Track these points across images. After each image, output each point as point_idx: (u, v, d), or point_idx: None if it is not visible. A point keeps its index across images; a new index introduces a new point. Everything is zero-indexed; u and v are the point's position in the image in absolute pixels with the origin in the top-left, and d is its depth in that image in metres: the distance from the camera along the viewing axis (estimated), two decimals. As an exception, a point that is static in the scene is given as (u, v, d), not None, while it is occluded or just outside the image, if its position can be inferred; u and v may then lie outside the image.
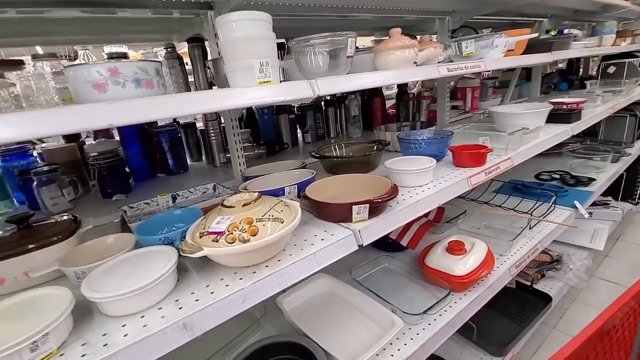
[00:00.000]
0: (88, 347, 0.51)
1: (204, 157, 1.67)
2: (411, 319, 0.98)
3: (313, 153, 1.20)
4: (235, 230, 0.61)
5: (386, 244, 1.35)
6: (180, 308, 0.56)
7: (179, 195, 1.07)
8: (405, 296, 1.11)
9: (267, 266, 0.65)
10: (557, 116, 1.55)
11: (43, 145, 1.38)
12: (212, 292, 0.59)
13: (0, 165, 1.23)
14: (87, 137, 1.59)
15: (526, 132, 1.23)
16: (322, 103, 1.90)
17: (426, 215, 1.55)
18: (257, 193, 0.70)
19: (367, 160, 1.17)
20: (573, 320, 1.70)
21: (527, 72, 2.69)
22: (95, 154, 1.29)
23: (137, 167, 1.44)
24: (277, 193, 0.92)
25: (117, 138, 1.49)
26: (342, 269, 1.18)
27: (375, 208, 0.79)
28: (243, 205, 0.65)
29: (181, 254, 0.59)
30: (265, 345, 0.89)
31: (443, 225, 1.50)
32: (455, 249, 1.16)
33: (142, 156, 1.44)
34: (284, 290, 1.06)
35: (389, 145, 1.22)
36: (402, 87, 1.89)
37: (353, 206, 0.76)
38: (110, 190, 1.25)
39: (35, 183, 1.11)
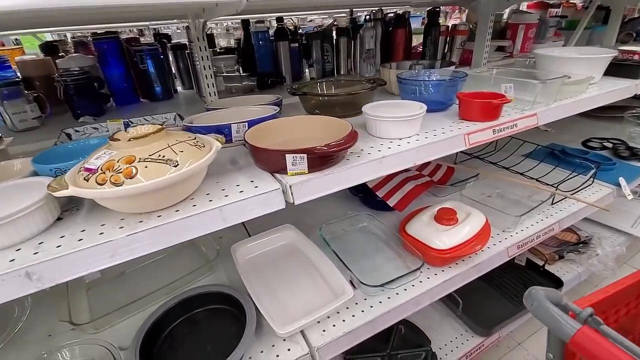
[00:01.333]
0: None
1: (194, 85, 1.53)
2: (369, 290, 0.86)
3: (291, 89, 1.01)
4: (109, 170, 0.49)
5: (375, 201, 1.20)
6: (36, 253, 0.47)
7: (132, 123, 0.96)
8: (374, 263, 0.98)
9: (159, 216, 0.54)
10: (621, 68, 1.19)
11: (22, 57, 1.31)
12: (80, 240, 0.49)
13: (-22, 75, 1.19)
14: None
15: (567, 82, 0.93)
16: (334, 31, 1.63)
17: (430, 174, 1.35)
18: (159, 126, 0.56)
19: (353, 102, 0.96)
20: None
21: (605, 13, 2.12)
22: (66, 70, 1.19)
23: (116, 89, 1.34)
24: (222, 130, 0.77)
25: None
26: (317, 221, 1.06)
27: (320, 159, 0.62)
28: (130, 140, 0.51)
29: (48, 191, 0.49)
30: (199, 294, 0.83)
31: (447, 187, 1.30)
32: (445, 218, 0.98)
33: (122, 77, 1.33)
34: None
35: (385, 84, 1.00)
36: (433, 17, 1.55)
37: (287, 154, 0.60)
38: (79, 111, 1.18)
39: (-2, 97, 1.06)
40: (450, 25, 1.64)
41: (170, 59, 1.52)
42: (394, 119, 0.74)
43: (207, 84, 1.06)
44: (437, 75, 1.03)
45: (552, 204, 1.20)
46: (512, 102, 0.87)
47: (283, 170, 0.62)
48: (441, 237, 0.93)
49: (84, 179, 0.49)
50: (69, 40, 2.02)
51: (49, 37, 2.39)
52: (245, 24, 1.51)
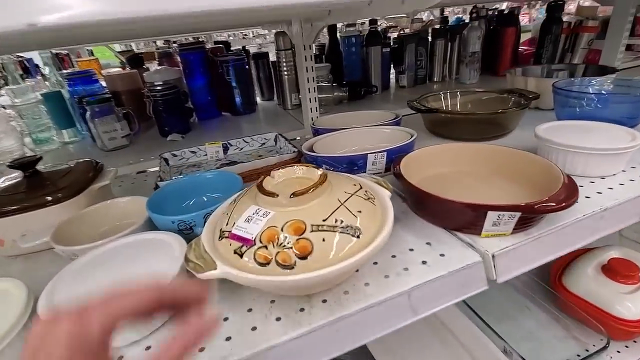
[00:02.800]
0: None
1: (275, 96, 1.41)
2: (535, 373, 0.65)
3: (412, 103, 0.83)
4: (272, 243, 0.34)
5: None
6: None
7: (231, 145, 0.84)
8: (524, 329, 0.76)
9: (324, 301, 0.38)
10: None
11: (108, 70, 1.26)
12: (228, 339, 0.35)
13: (68, 90, 1.14)
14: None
15: None
16: (429, 33, 1.43)
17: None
18: (321, 171, 0.40)
19: (497, 121, 0.76)
20: None
21: None
22: (152, 84, 1.12)
23: (200, 102, 1.25)
24: (356, 162, 0.61)
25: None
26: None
27: (529, 218, 0.43)
28: (292, 196, 0.36)
29: (189, 269, 0.35)
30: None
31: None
32: (621, 273, 0.74)
33: (206, 90, 1.24)
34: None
35: (538, 98, 0.78)
36: (554, 12, 1.29)
37: (490, 212, 0.41)
38: (167, 128, 1.09)
39: (88, 114, 0.99)
40: (574, 22, 1.37)
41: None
42: (609, 151, 0.53)
43: (310, 99, 0.91)
44: (610, 87, 0.80)
45: None
46: None
47: (472, 228, 0.44)
48: (624, 301, 0.70)
49: (236, 252, 0.35)
50: (137, 50, 2.02)
51: (117, 48, 2.45)
52: (331, 28, 1.36)
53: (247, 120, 1.24)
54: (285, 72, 1.21)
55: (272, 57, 1.35)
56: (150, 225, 0.49)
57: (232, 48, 1.54)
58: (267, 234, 0.34)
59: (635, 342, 0.72)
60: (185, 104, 1.20)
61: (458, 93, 0.91)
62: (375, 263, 0.43)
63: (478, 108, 0.88)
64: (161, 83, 1.12)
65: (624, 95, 0.71)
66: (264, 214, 0.36)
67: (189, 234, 0.46)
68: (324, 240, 0.34)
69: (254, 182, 0.41)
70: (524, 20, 3.10)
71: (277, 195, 0.37)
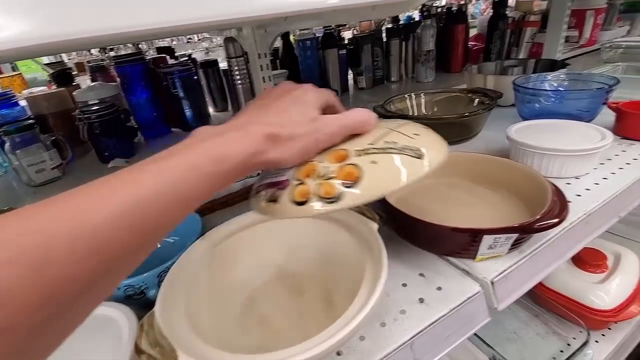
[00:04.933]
0: None
1: (229, 106, 1.32)
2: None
3: (379, 108, 0.79)
4: (310, 177, 0.28)
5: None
6: None
7: (185, 170, 0.74)
8: (506, 329, 0.76)
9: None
10: None
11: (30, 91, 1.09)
12: None
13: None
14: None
15: None
16: (384, 32, 1.41)
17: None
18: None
19: (468, 123, 0.75)
20: None
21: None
22: (85, 103, 0.98)
23: (145, 120, 1.12)
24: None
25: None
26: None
27: (524, 236, 0.40)
28: None
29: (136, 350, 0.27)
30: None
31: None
32: (590, 263, 0.77)
33: (150, 105, 1.11)
34: None
35: (501, 97, 0.78)
36: (499, 9, 1.33)
37: (485, 236, 0.38)
38: (107, 153, 0.96)
39: (7, 145, 0.84)
40: (517, 17, 1.42)
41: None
42: (581, 152, 0.52)
43: (269, 111, 0.84)
44: (564, 82, 0.82)
45: (690, 225, 0.98)
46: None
47: (466, 252, 0.41)
48: (596, 292, 0.72)
49: (271, 200, 0.29)
50: (72, 64, 1.81)
51: (45, 59, 2.18)
52: (283, 33, 1.29)
53: (201, 135, 1.13)
54: (239, 81, 1.11)
55: (222, 64, 1.25)
56: (91, 290, 0.40)
57: (176, 54, 1.42)
58: (304, 170, 0.28)
59: (609, 329, 0.74)
60: (127, 123, 1.07)
61: (422, 94, 0.89)
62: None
63: (444, 109, 0.86)
64: (96, 102, 0.99)
65: (582, 91, 0.72)
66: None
67: (139, 299, 0.38)
68: (374, 162, 0.27)
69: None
70: (465, 15, 3.23)
71: None
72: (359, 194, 0.26)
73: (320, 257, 0.43)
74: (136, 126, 1.12)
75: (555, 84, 0.83)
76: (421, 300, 0.37)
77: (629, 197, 0.52)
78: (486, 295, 0.38)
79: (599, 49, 1.46)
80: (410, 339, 0.33)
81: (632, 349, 0.74)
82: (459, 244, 0.40)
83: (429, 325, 0.34)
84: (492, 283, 0.38)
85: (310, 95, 0.29)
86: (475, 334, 0.69)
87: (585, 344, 0.66)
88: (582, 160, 0.53)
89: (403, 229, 0.46)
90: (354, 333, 0.27)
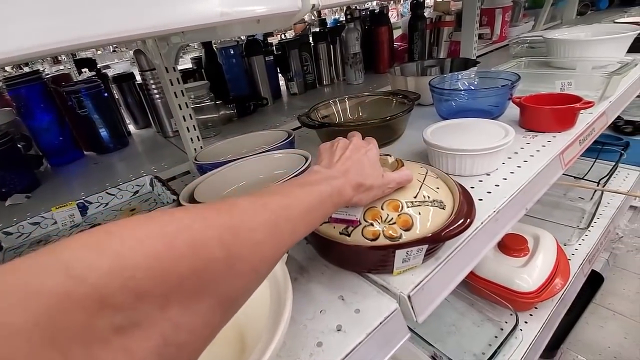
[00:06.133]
0: None
1: (152, 123, 1.22)
2: (465, 370, 0.66)
3: (303, 118, 0.77)
4: (377, 220, 0.38)
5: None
6: None
7: (90, 203, 0.66)
8: (445, 322, 0.78)
9: None
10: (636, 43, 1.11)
11: None
12: None
13: None
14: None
15: (626, 69, 0.81)
16: (310, 38, 1.40)
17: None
18: (394, 158, 0.44)
19: (389, 126, 0.76)
20: (614, 292, 1.44)
21: (563, -14, 2.14)
22: (-32, 134, 0.83)
23: (49, 146, 0.99)
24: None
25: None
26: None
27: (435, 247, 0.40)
28: None
29: None
30: None
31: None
32: (514, 247, 0.82)
33: (55, 129, 0.99)
34: None
35: (419, 98, 0.80)
36: (417, 10, 1.39)
37: (397, 251, 0.37)
38: (3, 189, 0.83)
39: None
40: (434, 17, 1.49)
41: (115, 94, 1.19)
42: (487, 150, 0.54)
43: (188, 127, 0.78)
44: (475, 80, 0.86)
45: (594, 201, 1.10)
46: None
47: (383, 268, 0.40)
48: (520, 275, 0.77)
49: (342, 233, 0.39)
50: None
51: None
52: (205, 41, 1.22)
53: (120, 157, 1.03)
54: (157, 95, 1.04)
55: (139, 77, 1.15)
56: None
57: (99, 65, 1.28)
58: (371, 214, 0.39)
59: (536, 308, 0.79)
60: (28, 151, 0.94)
61: (346, 99, 0.89)
62: (285, 343, 0.35)
63: (368, 113, 0.87)
64: (-17, 130, 0.85)
65: (489, 89, 0.76)
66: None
67: None
68: (420, 214, 0.39)
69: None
70: (392, 16, 3.37)
71: None
72: (411, 236, 0.38)
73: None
74: (40, 154, 0.99)
75: (467, 83, 0.88)
76: (338, 328, 0.35)
77: (534, 189, 0.56)
78: (404, 310, 0.37)
79: (508, 44, 1.59)
80: (330, 374, 0.31)
81: (557, 324, 0.80)
82: (375, 260, 0.39)
83: (347, 356, 0.32)
84: (409, 297, 0.37)
85: (375, 152, 0.39)
86: (415, 333, 0.70)
87: (514, 328, 0.70)
88: (489, 157, 0.56)
89: (322, 250, 0.44)
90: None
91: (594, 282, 1.26)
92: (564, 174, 1.14)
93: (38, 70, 0.99)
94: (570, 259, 0.90)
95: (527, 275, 0.76)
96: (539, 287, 0.75)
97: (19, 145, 0.90)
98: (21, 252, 0.58)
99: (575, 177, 1.13)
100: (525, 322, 0.76)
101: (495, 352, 0.66)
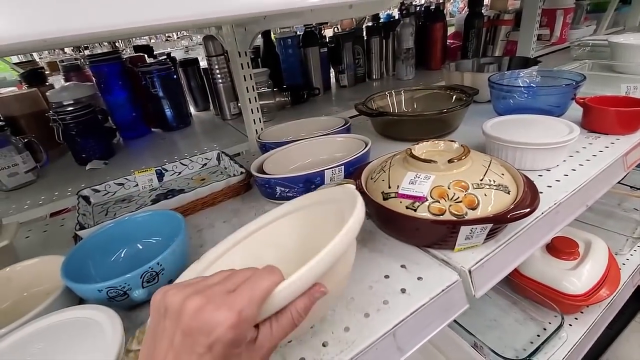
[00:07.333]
0: None
1: (211, 106, 1.30)
2: (505, 363, 0.67)
3: (360, 106, 0.80)
4: (444, 197, 0.41)
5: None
6: None
7: (166, 171, 0.73)
8: (487, 317, 0.79)
9: (302, 359, 0.33)
10: None
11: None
12: None
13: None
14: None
15: None
16: (364, 31, 1.43)
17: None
18: (459, 144, 0.48)
19: (445, 119, 0.77)
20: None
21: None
22: (60, 104, 0.95)
23: (123, 120, 1.10)
24: (313, 180, 0.56)
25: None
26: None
27: (499, 226, 0.42)
28: (450, 162, 0.44)
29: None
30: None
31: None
32: (563, 250, 0.80)
33: (129, 105, 1.09)
34: None
35: (478, 93, 0.81)
36: (475, 7, 1.37)
37: (462, 227, 0.40)
38: (84, 155, 0.94)
39: (-24, 148, 0.81)
40: (492, 15, 1.46)
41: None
42: (551, 145, 0.55)
43: (252, 109, 0.84)
44: (537, 78, 0.85)
45: (653, 212, 1.05)
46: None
47: (445, 243, 0.42)
48: (569, 278, 0.75)
49: (409, 207, 0.42)
50: (44, 63, 1.74)
51: (14, 59, 2.09)
52: (264, 31, 1.28)
53: (182, 135, 1.12)
54: (220, 80, 1.11)
55: (203, 62, 1.23)
56: (71, 294, 0.39)
57: (155, 53, 1.38)
58: (437, 192, 0.42)
59: (582, 312, 0.78)
60: (105, 123, 1.05)
61: (402, 91, 0.91)
62: (352, 298, 0.39)
63: (423, 106, 0.88)
64: (71, 102, 0.96)
65: (552, 87, 0.75)
66: (425, 177, 0.43)
67: (122, 300, 0.38)
68: (485, 195, 0.41)
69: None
70: (443, 13, 3.29)
71: (436, 162, 0.44)
72: (475, 215, 0.40)
73: (306, 241, 0.42)
74: (115, 127, 1.10)
75: (528, 81, 0.87)
76: (403, 291, 0.39)
77: (595, 187, 0.55)
78: (464, 283, 0.40)
79: (568, 47, 1.52)
80: (393, 328, 0.35)
81: (603, 330, 0.79)
82: (438, 235, 0.42)
83: (410, 314, 0.36)
84: (470, 272, 0.40)
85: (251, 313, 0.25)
86: (456, 322, 0.72)
87: (559, 327, 0.69)
88: (552, 153, 0.56)
89: (384, 223, 0.47)
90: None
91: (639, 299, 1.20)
92: (619, 183, 1.10)
93: (118, 49, 1.09)
94: (621, 268, 0.87)
95: (576, 278, 0.75)
96: (587, 290, 0.73)
97: (99, 117, 1.00)
98: (107, 207, 0.67)
99: (631, 187, 1.08)
100: (570, 325, 0.75)
101: (538, 348, 0.66)
